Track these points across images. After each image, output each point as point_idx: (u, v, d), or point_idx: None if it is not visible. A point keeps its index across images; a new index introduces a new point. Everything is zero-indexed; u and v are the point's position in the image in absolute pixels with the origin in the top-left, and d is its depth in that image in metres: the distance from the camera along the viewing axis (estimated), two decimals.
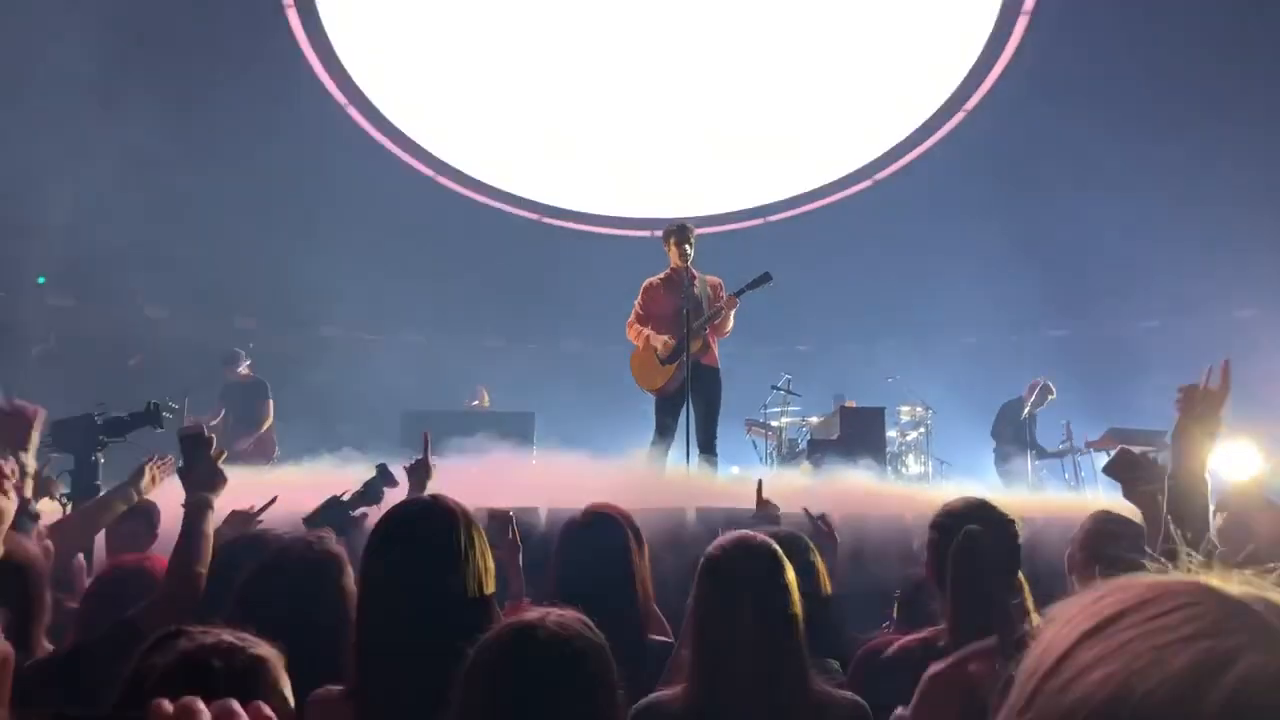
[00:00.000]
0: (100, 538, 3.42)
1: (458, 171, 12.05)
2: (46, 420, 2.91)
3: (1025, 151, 10.51)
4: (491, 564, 2.01)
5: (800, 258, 10.42)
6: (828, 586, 2.69)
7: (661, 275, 6.28)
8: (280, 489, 3.48)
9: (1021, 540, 2.30)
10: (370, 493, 3.39)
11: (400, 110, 11.56)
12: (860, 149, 12.00)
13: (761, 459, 8.91)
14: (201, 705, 0.72)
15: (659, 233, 6.43)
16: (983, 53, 10.90)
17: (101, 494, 3.49)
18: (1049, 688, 0.56)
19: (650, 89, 11.52)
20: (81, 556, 3.30)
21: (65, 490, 3.71)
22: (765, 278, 5.94)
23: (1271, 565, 0.60)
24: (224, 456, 2.46)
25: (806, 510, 3.38)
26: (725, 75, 11.49)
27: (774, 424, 9.08)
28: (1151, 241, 9.59)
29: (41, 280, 9.86)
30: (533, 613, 1.65)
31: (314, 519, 3.15)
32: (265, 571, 2.18)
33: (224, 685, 0.94)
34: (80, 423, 3.75)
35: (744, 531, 2.12)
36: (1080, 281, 10.94)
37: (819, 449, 7.23)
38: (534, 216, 12.40)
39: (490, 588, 1.99)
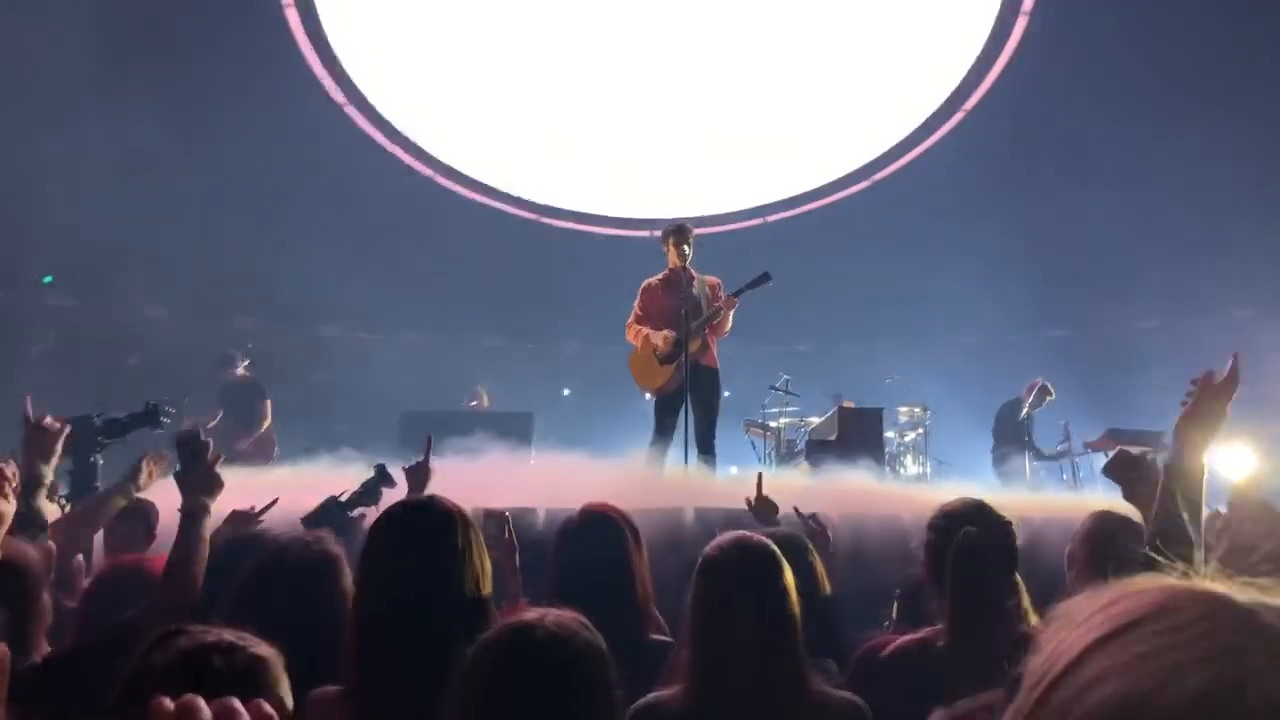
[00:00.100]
0: (99, 538, 3.42)
1: (458, 172, 12.05)
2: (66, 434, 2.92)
3: (1024, 151, 10.52)
4: (489, 564, 2.02)
5: (800, 258, 10.42)
6: (826, 586, 2.69)
7: (660, 276, 6.27)
8: (279, 489, 3.48)
9: (1019, 541, 2.30)
10: (368, 493, 3.39)
11: (400, 110, 11.55)
12: (860, 149, 12.00)
13: (760, 459, 8.89)
14: (202, 703, 0.72)
15: (658, 233, 6.42)
16: (982, 52, 10.91)
17: (100, 492, 3.49)
18: (1057, 698, 0.54)
19: (650, 89, 11.52)
20: (80, 557, 3.30)
21: (64, 491, 3.71)
22: (764, 278, 5.92)
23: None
24: (220, 460, 2.46)
25: (796, 509, 3.38)
26: (725, 75, 11.50)
27: (772, 424, 9.08)
28: (1151, 241, 9.60)
29: (48, 280, 9.85)
30: (531, 613, 1.65)
31: (312, 519, 3.15)
32: (264, 571, 2.18)
33: (224, 684, 0.94)
34: (79, 423, 3.73)
35: (742, 532, 2.12)
36: (1079, 281, 10.94)
37: (817, 449, 7.20)
38: (533, 216, 12.40)
39: (487, 588, 1.99)
